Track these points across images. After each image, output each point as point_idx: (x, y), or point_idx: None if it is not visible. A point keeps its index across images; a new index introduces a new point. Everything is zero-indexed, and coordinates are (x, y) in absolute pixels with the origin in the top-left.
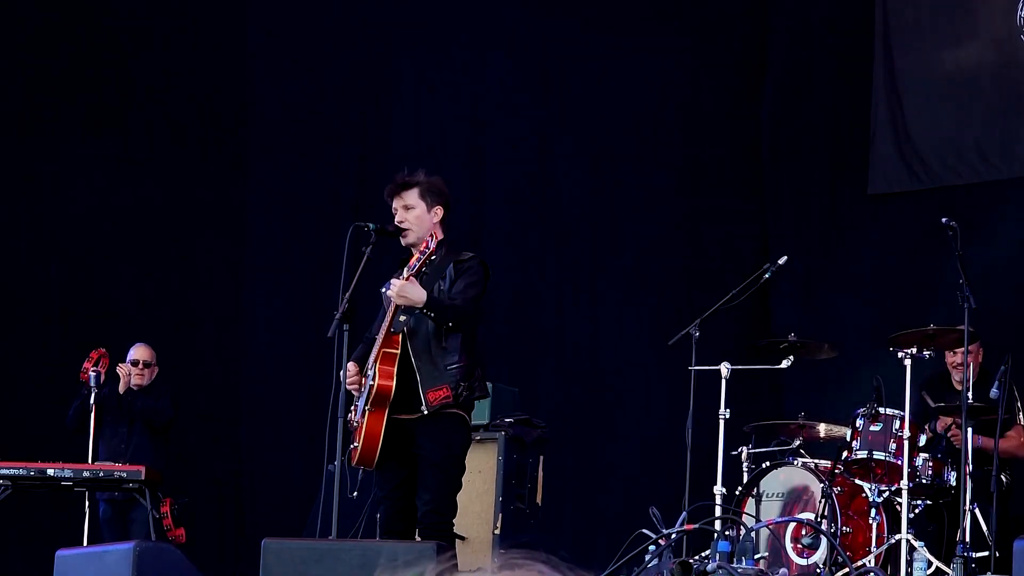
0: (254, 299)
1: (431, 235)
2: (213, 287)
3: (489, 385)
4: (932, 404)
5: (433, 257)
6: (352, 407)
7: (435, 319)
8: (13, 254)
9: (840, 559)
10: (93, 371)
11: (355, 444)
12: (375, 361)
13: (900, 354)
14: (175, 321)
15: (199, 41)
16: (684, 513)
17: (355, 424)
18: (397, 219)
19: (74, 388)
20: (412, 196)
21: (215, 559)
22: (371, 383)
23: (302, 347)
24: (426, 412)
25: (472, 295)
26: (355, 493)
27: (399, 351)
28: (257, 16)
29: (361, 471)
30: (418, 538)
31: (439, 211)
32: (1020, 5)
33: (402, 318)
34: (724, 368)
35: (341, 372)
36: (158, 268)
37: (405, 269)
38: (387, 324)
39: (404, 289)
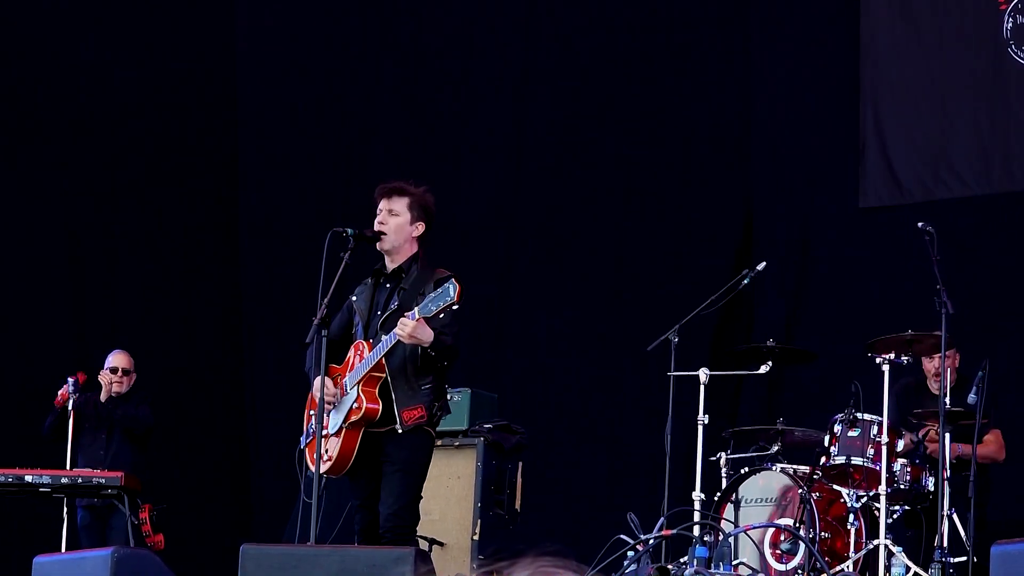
0: (254, 305)
1: (416, 253)
2: (212, 293)
3: (468, 391)
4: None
5: (406, 276)
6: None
7: (435, 357)
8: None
9: (818, 565)
10: (71, 377)
11: (324, 456)
12: (359, 383)
13: (878, 360)
14: (170, 329)
15: (187, 53)
16: (662, 519)
17: (323, 433)
18: (379, 220)
19: (53, 394)
20: (401, 204)
21: (211, 564)
22: (354, 404)
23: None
24: (400, 431)
25: (457, 329)
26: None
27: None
28: (244, 25)
29: (324, 478)
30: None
31: (420, 227)
32: (1006, 19)
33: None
34: (703, 374)
35: (318, 381)
36: (155, 277)
37: (417, 310)
38: (382, 354)
39: (416, 331)
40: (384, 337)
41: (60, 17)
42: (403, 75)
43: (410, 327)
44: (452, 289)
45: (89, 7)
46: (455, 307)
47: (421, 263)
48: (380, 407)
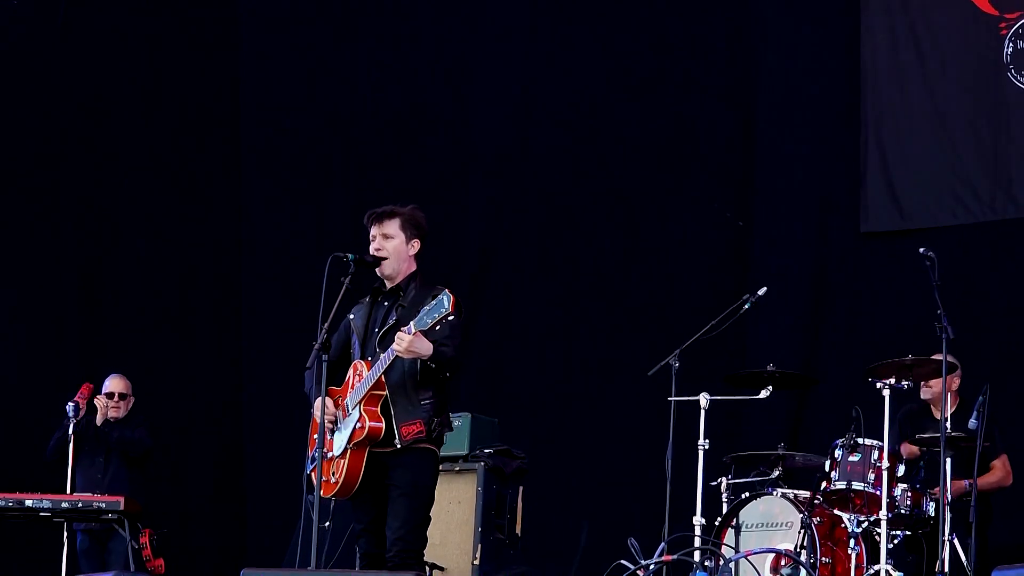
0: (254, 329)
1: (412, 270)
2: (212, 317)
3: (469, 416)
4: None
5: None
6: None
7: (435, 370)
8: None
9: None
10: (72, 402)
11: (331, 479)
12: (360, 402)
13: (878, 384)
14: (170, 353)
15: (190, 80)
16: (663, 544)
17: (327, 456)
18: (375, 247)
19: (53, 419)
20: (393, 226)
21: None
22: (357, 425)
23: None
24: (399, 446)
25: (458, 342)
26: (327, 523)
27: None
28: (248, 51)
29: (333, 501)
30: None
31: (416, 244)
32: (1007, 44)
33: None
34: (704, 399)
35: (319, 401)
36: (155, 299)
37: (414, 324)
38: (381, 371)
39: (414, 345)
40: (382, 355)
41: (61, 42)
42: (405, 100)
43: (407, 341)
44: (447, 300)
45: (91, 34)
46: (451, 318)
47: (419, 281)
48: (383, 425)
